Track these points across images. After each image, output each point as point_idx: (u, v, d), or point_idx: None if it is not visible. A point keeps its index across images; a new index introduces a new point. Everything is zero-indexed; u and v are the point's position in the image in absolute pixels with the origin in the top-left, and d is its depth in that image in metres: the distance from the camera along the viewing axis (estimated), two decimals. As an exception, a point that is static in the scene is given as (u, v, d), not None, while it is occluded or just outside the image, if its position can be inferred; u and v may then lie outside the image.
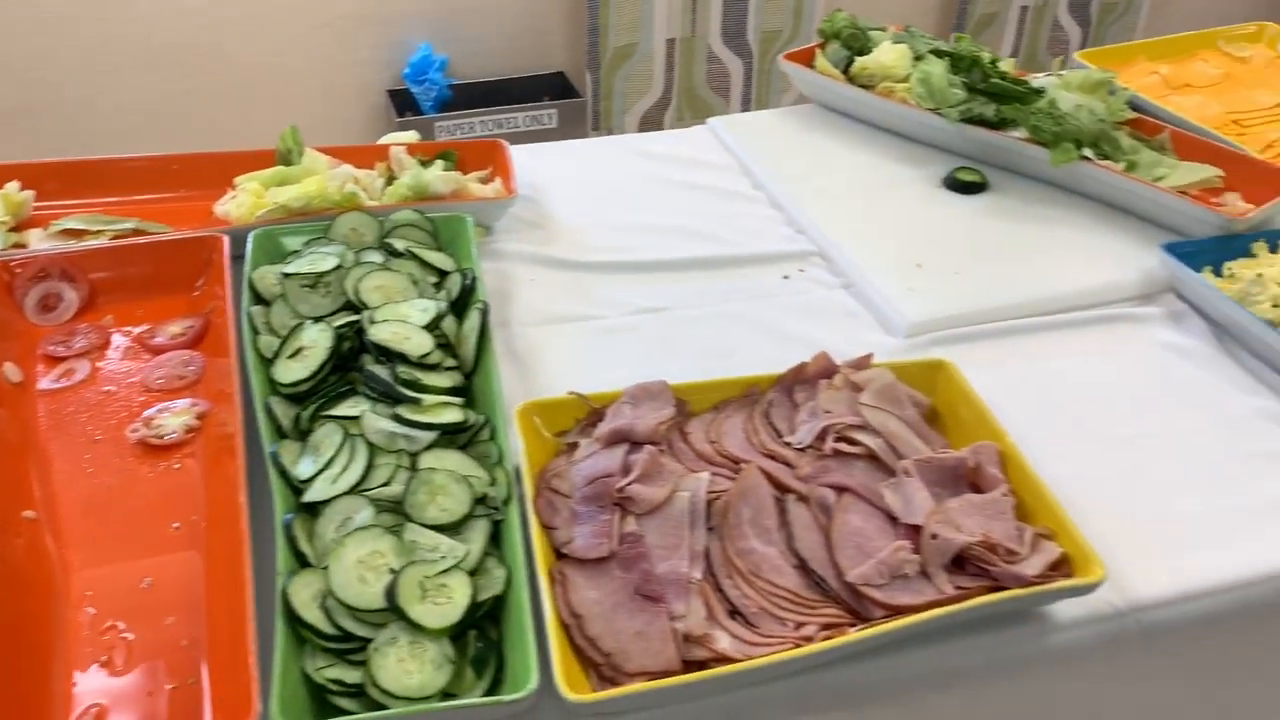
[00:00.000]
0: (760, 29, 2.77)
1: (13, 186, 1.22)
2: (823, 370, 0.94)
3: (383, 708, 0.68)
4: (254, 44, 2.54)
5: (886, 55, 1.45)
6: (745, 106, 2.86)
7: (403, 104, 2.60)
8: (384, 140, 1.35)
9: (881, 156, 1.42)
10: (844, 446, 0.85)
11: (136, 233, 1.20)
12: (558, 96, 2.69)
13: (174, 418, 0.95)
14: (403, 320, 0.97)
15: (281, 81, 2.59)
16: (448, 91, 2.60)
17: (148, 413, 0.96)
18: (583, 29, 2.67)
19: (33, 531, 0.82)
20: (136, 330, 1.06)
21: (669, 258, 1.22)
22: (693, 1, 2.68)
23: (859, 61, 1.46)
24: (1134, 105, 1.42)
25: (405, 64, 2.61)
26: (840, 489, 0.82)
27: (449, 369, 0.95)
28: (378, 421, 0.86)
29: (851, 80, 1.47)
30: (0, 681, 0.67)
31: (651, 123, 2.81)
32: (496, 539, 0.80)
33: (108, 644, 0.75)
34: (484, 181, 1.30)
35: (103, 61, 2.45)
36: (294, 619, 0.72)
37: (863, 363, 0.95)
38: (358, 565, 0.74)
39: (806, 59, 1.54)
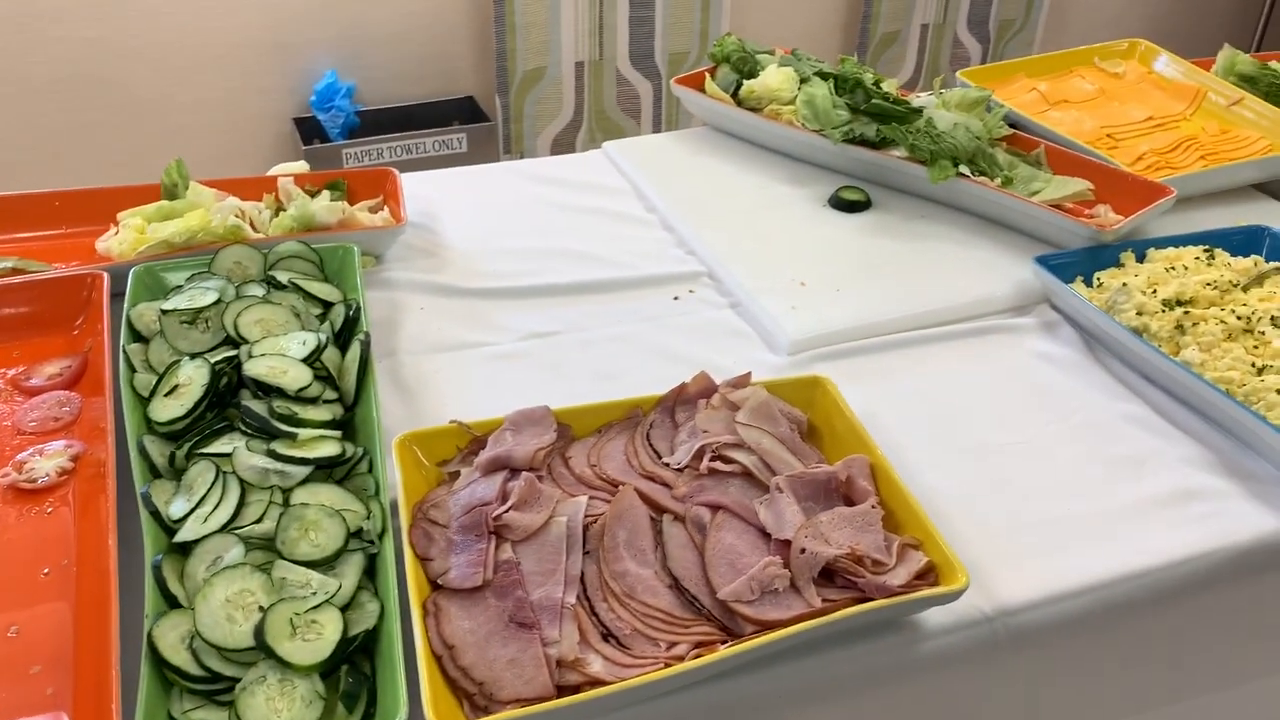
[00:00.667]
0: (667, 51, 2.81)
1: (-118, 226, 1.19)
2: (703, 390, 0.95)
3: (250, 749, 0.67)
4: (154, 74, 2.50)
5: (773, 78, 1.48)
6: (656, 128, 2.89)
7: (310, 131, 2.58)
8: (272, 171, 1.34)
9: (770, 177, 1.45)
10: (720, 465, 0.87)
11: (15, 271, 1.17)
12: (467, 121, 2.69)
13: (46, 460, 0.93)
14: (281, 354, 0.97)
15: (183, 112, 2.56)
16: (355, 118, 2.59)
17: (19, 456, 0.94)
18: (491, 53, 2.68)
19: (-109, 584, 0.80)
20: (11, 372, 1.04)
21: (562, 282, 1.23)
22: (599, 25, 2.70)
23: (746, 85, 1.49)
24: (1011, 122, 1.47)
25: (311, 91, 2.59)
26: (715, 507, 0.83)
27: (329, 402, 0.95)
28: (250, 458, 0.85)
29: (740, 103, 1.50)
30: None
31: (563, 145, 2.83)
32: (371, 573, 0.80)
33: (-33, 697, 0.74)
34: (374, 210, 1.30)
35: (-6, 94, 2.39)
36: (160, 662, 0.71)
37: (741, 381, 0.97)
38: (225, 604, 0.73)
39: (698, 83, 1.57)
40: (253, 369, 0.94)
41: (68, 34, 2.40)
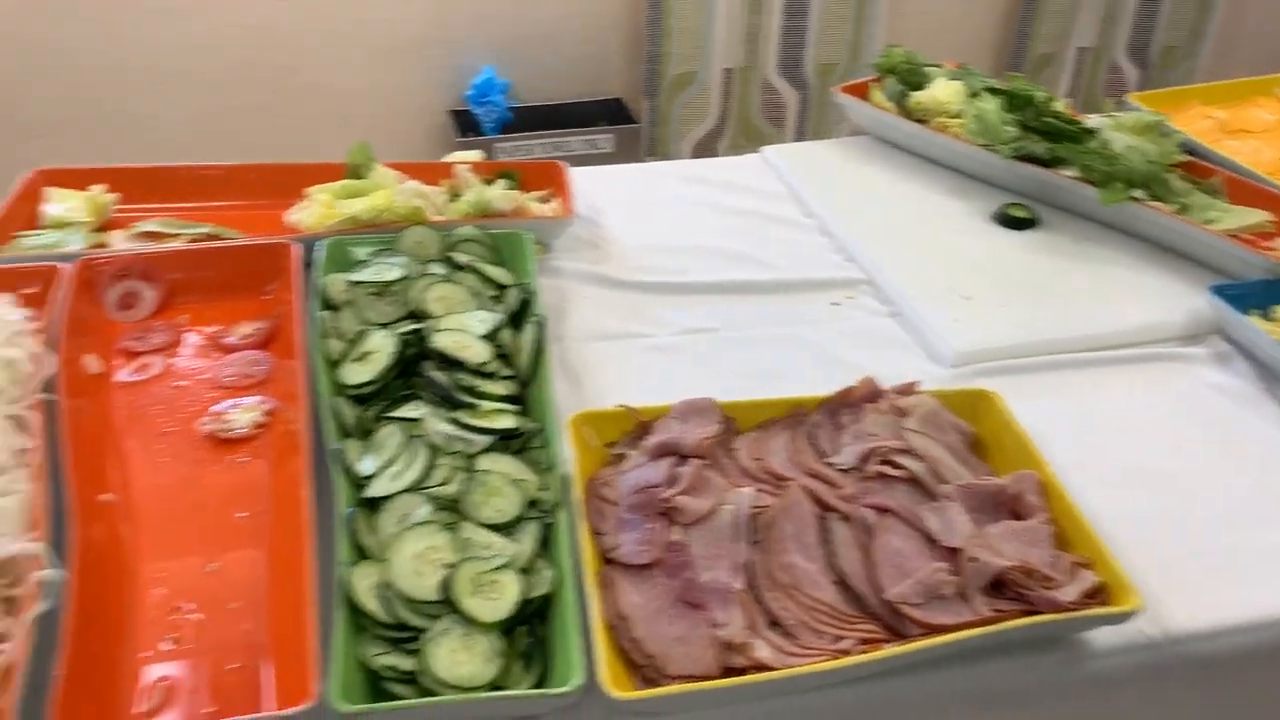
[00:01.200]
0: (817, 61, 2.81)
1: (98, 189, 1.28)
2: (868, 394, 0.96)
3: (434, 695, 0.71)
4: (323, 62, 2.62)
5: (942, 91, 1.47)
6: (799, 137, 2.89)
7: (464, 124, 2.66)
8: (449, 158, 1.40)
9: (932, 190, 1.44)
10: (887, 469, 0.87)
11: (211, 237, 1.25)
12: (614, 122, 2.74)
13: (243, 413, 0.99)
14: (463, 330, 1.01)
15: (346, 100, 2.67)
16: (509, 114, 2.67)
17: (217, 408, 1.00)
18: (641, 56, 2.72)
19: (109, 514, 0.86)
20: (209, 330, 1.11)
21: (719, 280, 1.25)
22: (752, 33, 2.72)
23: (914, 96, 1.49)
24: (1187, 149, 1.43)
25: (468, 86, 2.68)
26: (882, 510, 0.84)
27: (505, 378, 0.99)
28: (438, 424, 0.89)
29: (907, 114, 1.50)
30: (77, 656, 0.71)
31: (706, 150, 2.85)
32: (545, 543, 0.83)
33: (175, 624, 0.79)
34: (542, 201, 1.34)
35: (171, 75, 2.54)
36: (353, 607, 0.75)
37: (908, 389, 0.97)
38: (414, 559, 0.77)
39: (861, 92, 1.57)
40: (438, 342, 0.98)
41: (250, 22, 2.53)
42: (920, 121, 1.48)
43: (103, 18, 2.44)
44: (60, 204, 1.26)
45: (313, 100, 2.65)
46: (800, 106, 2.87)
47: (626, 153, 2.68)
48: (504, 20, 2.67)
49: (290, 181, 1.34)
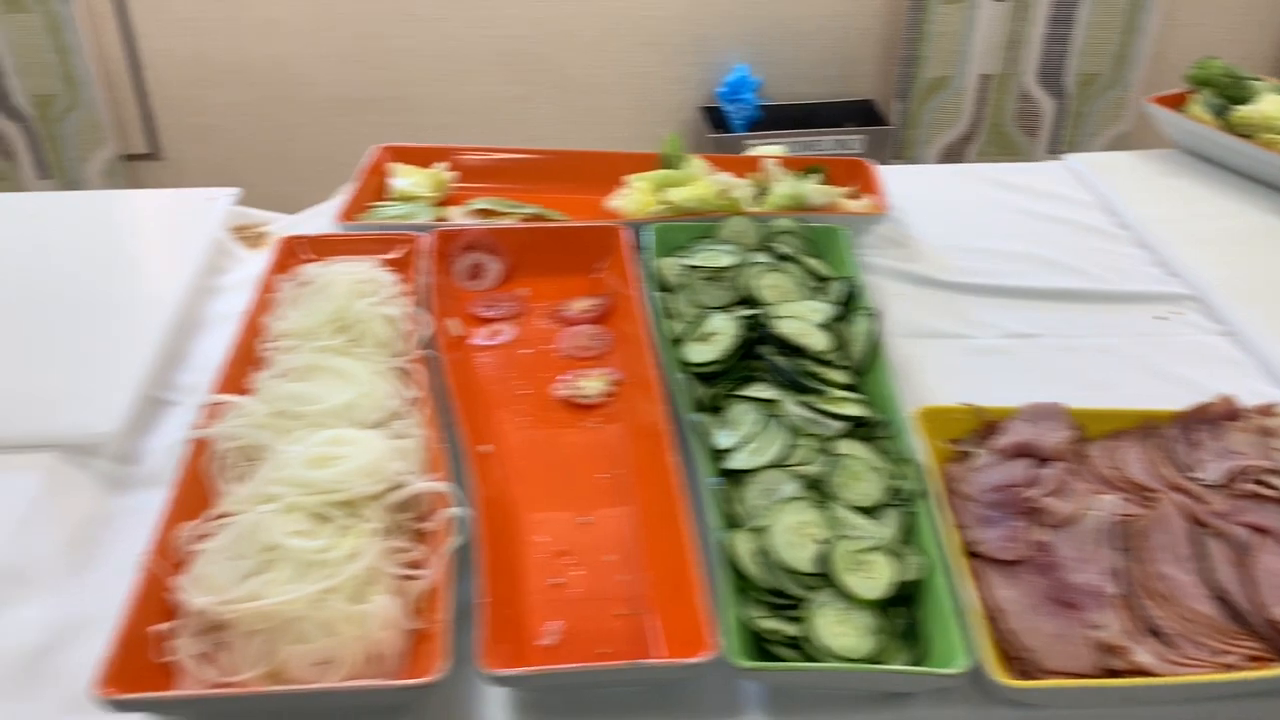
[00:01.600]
0: (1079, 71, 2.72)
1: (440, 166, 1.38)
2: (1226, 412, 0.94)
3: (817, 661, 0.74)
4: (583, 54, 2.72)
5: (1271, 106, 1.41)
6: (1053, 147, 2.80)
7: (713, 121, 2.71)
8: (753, 153, 1.44)
9: (1255, 207, 1.38)
10: (1260, 489, 0.85)
11: (538, 218, 1.33)
12: (861, 123, 2.73)
13: (592, 382, 1.06)
14: (802, 318, 1.04)
15: (603, 92, 2.77)
16: (759, 112, 2.70)
17: (567, 375, 1.07)
18: (896, 59, 2.70)
19: (488, 463, 0.94)
20: (546, 304, 1.18)
21: (1035, 285, 1.24)
22: (1012, 39, 2.66)
23: (1240, 110, 1.43)
24: None
25: (719, 82, 2.73)
26: (1259, 530, 0.82)
27: (841, 367, 1.02)
28: (794, 407, 0.93)
29: (1228, 128, 1.44)
30: (493, 586, 0.78)
31: (953, 155, 2.81)
32: (906, 531, 0.85)
33: (560, 568, 0.86)
34: (850, 198, 1.36)
35: (451, 60, 2.69)
36: (736, 570, 0.79)
37: (1269, 410, 0.94)
38: (790, 531, 0.81)
39: (1173, 104, 1.52)
40: (781, 328, 1.02)
41: (519, 14, 2.66)
42: (1244, 137, 1.42)
43: (403, 6, 2.61)
44: (406, 179, 1.37)
45: (572, 92, 2.76)
46: (1056, 116, 2.79)
47: (874, 155, 2.66)
48: (759, 18, 2.71)
49: (603, 169, 1.40)
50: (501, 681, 0.72)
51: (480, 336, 1.13)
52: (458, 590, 0.77)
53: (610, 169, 1.40)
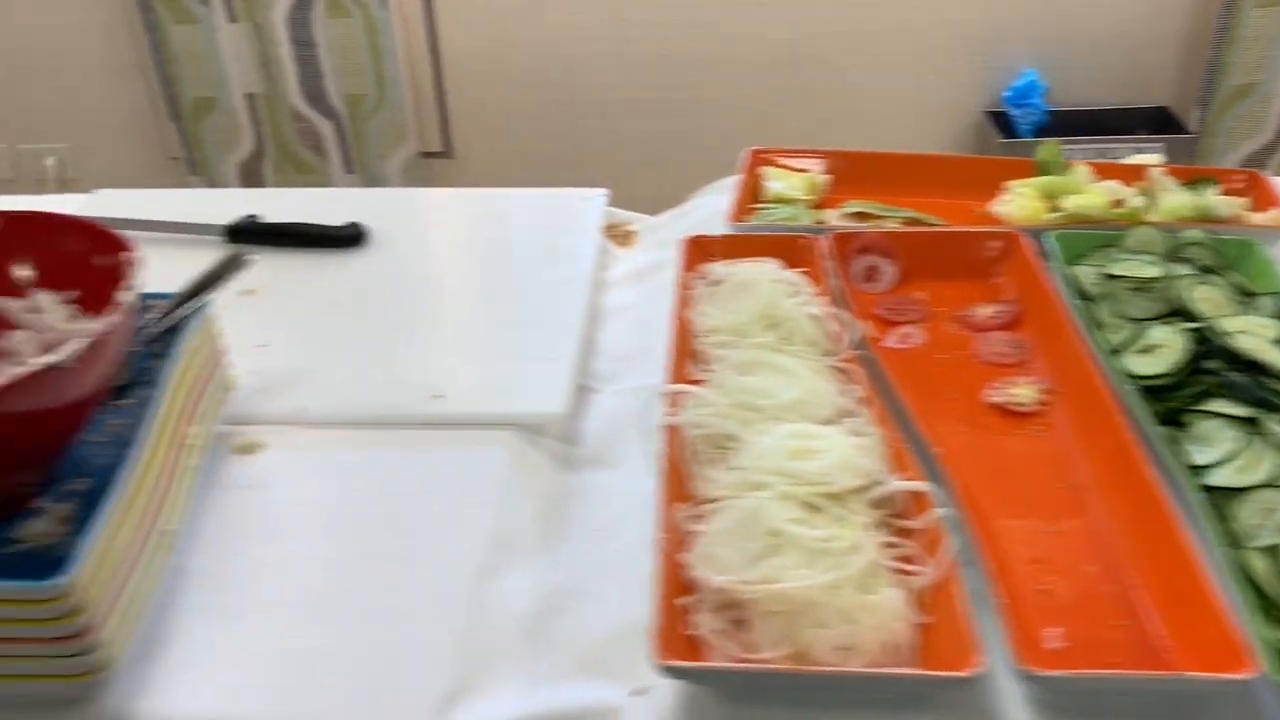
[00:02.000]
0: None
1: (815, 169, 1.41)
2: None
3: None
4: (861, 57, 2.72)
5: None
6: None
7: (999, 125, 2.66)
8: (1133, 160, 1.41)
9: None
10: None
11: (915, 222, 1.34)
12: (1155, 131, 2.62)
13: (1023, 389, 1.05)
14: (1254, 333, 1.01)
15: (880, 95, 2.76)
16: (1046, 117, 2.63)
17: (995, 382, 1.07)
18: (1199, 64, 2.58)
19: (945, 466, 0.95)
20: (949, 309, 1.19)
21: None
22: (1334, 42, 2.50)
23: None
24: None
25: (1004, 86, 2.67)
26: None
27: (1296, 387, 0.98)
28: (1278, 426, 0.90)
29: None
30: (1003, 585, 0.78)
31: (1254, 166, 2.65)
32: None
33: (1038, 575, 0.86)
34: (1245, 210, 1.31)
35: (732, 64, 2.74)
36: (1255, 588, 0.78)
37: None
38: (1313, 554, 0.79)
39: None
40: (1239, 343, 0.99)
41: (800, 15, 2.68)
42: None
43: (695, 14, 2.68)
44: (780, 181, 1.40)
45: (847, 94, 2.77)
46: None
47: (1173, 164, 2.54)
48: (1050, 23, 2.64)
49: (972, 174, 1.40)
50: (1045, 683, 0.73)
51: (892, 339, 1.14)
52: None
53: (979, 174, 1.39)
